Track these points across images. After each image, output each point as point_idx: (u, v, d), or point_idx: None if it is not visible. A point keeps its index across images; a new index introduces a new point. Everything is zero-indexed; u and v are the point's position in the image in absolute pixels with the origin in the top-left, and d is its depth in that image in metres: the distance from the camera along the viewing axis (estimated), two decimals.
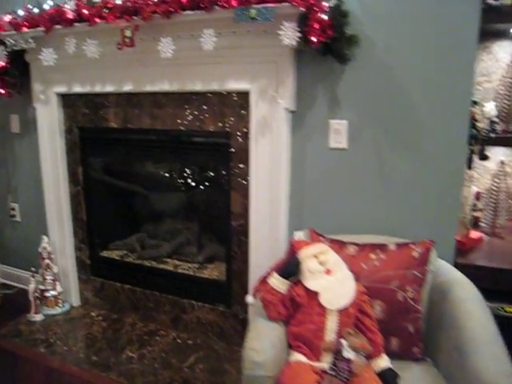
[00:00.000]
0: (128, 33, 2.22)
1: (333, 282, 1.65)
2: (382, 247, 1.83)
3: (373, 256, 1.81)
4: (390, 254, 1.81)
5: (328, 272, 1.66)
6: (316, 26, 1.89)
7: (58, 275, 2.92)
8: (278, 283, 1.69)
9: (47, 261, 2.84)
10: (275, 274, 1.70)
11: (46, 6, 2.55)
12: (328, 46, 1.99)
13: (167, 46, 2.14)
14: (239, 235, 2.40)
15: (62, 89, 2.70)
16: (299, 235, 2.01)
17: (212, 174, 2.69)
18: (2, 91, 2.78)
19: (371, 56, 2.01)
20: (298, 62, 2.13)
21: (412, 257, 1.78)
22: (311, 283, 1.65)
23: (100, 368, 2.38)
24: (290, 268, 1.69)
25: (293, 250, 1.75)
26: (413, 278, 1.75)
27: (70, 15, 2.37)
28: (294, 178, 2.25)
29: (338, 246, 1.85)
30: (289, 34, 1.93)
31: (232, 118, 2.29)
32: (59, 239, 2.93)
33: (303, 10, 1.88)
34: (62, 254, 2.95)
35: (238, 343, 2.52)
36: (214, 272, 2.73)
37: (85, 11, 2.30)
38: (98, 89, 2.58)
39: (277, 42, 2.00)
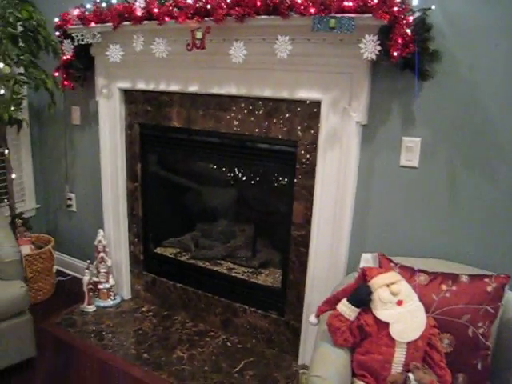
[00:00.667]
0: (199, 34, 2.17)
1: (404, 314, 1.59)
2: (453, 278, 1.75)
3: (444, 287, 1.73)
4: (462, 287, 1.73)
5: (399, 303, 1.60)
6: (399, 40, 1.80)
7: (112, 268, 2.96)
8: (347, 310, 1.64)
9: (102, 254, 2.87)
10: (345, 301, 1.66)
11: (113, 1, 2.54)
12: (408, 61, 1.90)
13: (239, 51, 2.08)
14: (298, 245, 2.36)
15: (126, 84, 2.70)
16: (367, 258, 1.95)
17: (274, 181, 2.64)
18: (66, 83, 2.80)
19: (453, 73, 1.90)
20: (373, 75, 2.04)
21: (486, 291, 1.69)
22: (382, 313, 1.60)
23: (151, 366, 2.41)
24: (362, 296, 1.64)
25: (364, 277, 1.69)
26: (485, 313, 1.68)
27: (139, 12, 2.34)
28: (360, 192, 2.18)
29: (409, 273, 1.78)
30: (369, 48, 1.84)
31: (300, 127, 2.23)
32: (114, 233, 2.97)
33: (386, 22, 1.79)
34: (116, 247, 2.98)
35: (288, 351, 2.52)
36: (268, 278, 2.70)
37: (155, 10, 2.27)
38: (162, 87, 2.56)
39: (353, 53, 1.94)
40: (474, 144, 1.92)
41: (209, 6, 2.12)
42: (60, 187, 3.29)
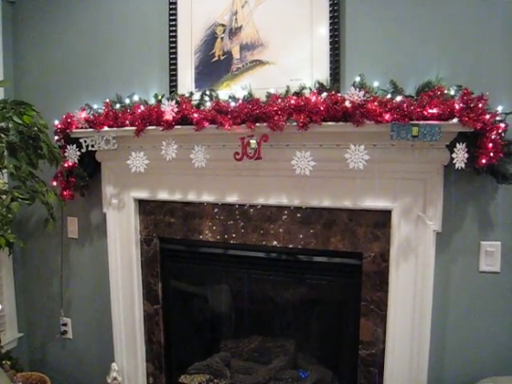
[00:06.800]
0: (253, 144, 1.94)
1: None
2: None
3: None
4: None
5: None
6: (489, 147, 1.70)
7: None
8: None
9: None
10: None
11: (127, 101, 2.27)
12: (489, 165, 1.79)
13: (305, 162, 1.87)
14: (368, 365, 2.09)
15: (143, 194, 2.37)
16: None
17: (333, 296, 2.33)
18: (66, 193, 2.42)
19: None
20: (445, 178, 1.91)
21: None
22: None
23: None
24: None
25: None
26: None
27: (170, 116, 2.07)
28: (435, 303, 1.98)
29: None
30: (459, 156, 1.72)
31: (364, 238, 2.03)
32: (128, 365, 2.51)
33: (475, 129, 1.68)
34: (130, 382, 2.52)
35: None
36: None
37: (195, 115, 2.01)
38: (191, 197, 2.26)
39: (425, 158, 1.85)
40: None
41: (263, 112, 1.90)
42: (49, 311, 2.77)
